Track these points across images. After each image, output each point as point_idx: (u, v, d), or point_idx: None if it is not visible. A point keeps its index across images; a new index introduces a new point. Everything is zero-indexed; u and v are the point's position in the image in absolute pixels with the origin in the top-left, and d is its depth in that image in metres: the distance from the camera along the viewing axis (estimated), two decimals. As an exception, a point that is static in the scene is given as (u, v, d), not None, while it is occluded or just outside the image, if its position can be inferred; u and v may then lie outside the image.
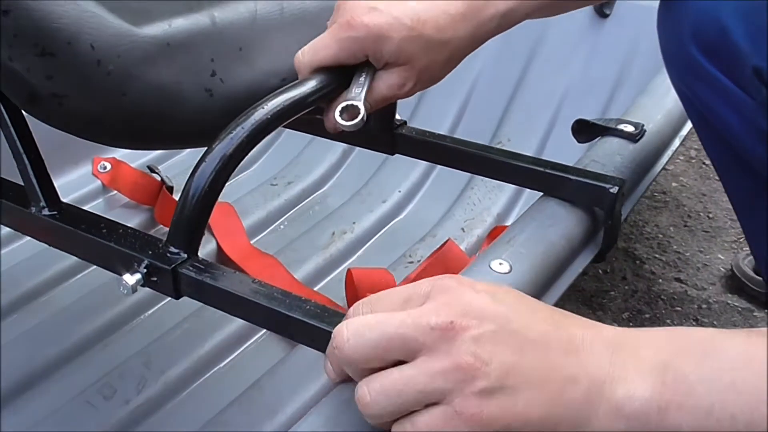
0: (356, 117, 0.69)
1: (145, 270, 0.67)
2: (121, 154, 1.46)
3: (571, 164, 0.83)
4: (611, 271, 1.27)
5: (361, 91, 0.70)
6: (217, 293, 0.64)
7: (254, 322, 0.65)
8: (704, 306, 1.19)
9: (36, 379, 1.00)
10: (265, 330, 1.08)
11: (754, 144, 0.81)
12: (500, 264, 0.70)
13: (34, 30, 0.62)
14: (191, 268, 0.66)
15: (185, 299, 1.15)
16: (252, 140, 0.67)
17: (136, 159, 1.45)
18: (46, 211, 0.73)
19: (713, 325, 1.15)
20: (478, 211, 1.30)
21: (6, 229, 1.25)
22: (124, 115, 0.67)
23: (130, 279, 0.66)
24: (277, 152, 1.50)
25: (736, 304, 1.19)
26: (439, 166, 1.38)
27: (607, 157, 0.88)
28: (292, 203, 1.36)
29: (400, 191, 1.36)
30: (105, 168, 1.39)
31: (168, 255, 0.66)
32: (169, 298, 1.13)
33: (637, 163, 0.89)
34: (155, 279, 0.67)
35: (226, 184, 1.36)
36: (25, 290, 1.14)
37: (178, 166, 1.45)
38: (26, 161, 0.72)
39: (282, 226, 1.32)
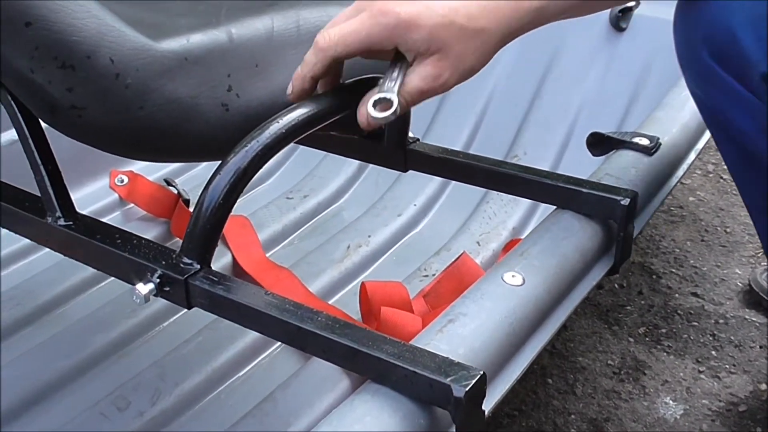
0: (389, 109, 0.69)
1: (158, 280, 0.67)
2: (138, 167, 1.47)
3: (586, 178, 0.83)
4: (627, 285, 1.27)
5: (395, 84, 0.69)
6: (229, 305, 0.65)
7: (266, 333, 0.65)
8: (721, 321, 1.18)
9: (50, 391, 1.00)
10: (279, 343, 1.09)
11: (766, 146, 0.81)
12: (513, 276, 0.70)
13: (54, 43, 0.63)
14: (204, 280, 0.66)
15: (199, 312, 1.16)
16: (266, 154, 0.67)
17: (153, 172, 1.46)
18: (61, 222, 0.73)
19: (730, 341, 1.14)
20: (493, 225, 1.30)
21: (22, 242, 1.27)
22: (141, 127, 0.68)
23: (144, 289, 0.67)
24: (294, 166, 1.50)
25: (753, 318, 1.18)
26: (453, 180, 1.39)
27: (621, 170, 0.88)
28: (308, 217, 1.37)
29: (415, 205, 1.36)
30: (122, 181, 1.40)
31: (181, 266, 0.67)
32: (184, 311, 1.16)
33: (652, 176, 0.89)
34: (168, 289, 0.67)
35: (242, 197, 1.38)
36: (40, 303, 1.14)
37: (195, 179, 1.46)
38: (43, 172, 0.73)
39: (297, 240, 1.32)
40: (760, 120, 0.81)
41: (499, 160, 0.86)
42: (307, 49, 0.81)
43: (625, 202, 0.77)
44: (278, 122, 0.68)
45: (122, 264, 0.70)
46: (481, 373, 0.55)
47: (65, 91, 0.64)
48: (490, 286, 0.70)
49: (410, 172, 1.40)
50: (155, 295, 0.68)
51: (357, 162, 1.46)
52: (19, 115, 0.73)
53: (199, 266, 0.67)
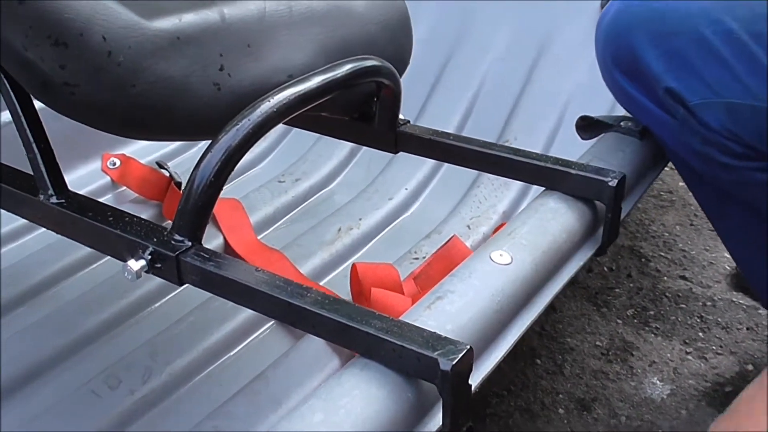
0: None
1: (149, 257, 0.68)
2: (130, 150, 1.47)
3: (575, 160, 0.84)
4: (617, 268, 1.28)
5: None
6: (220, 281, 0.65)
7: (257, 309, 0.66)
8: (709, 303, 1.19)
9: (42, 370, 1.01)
10: (269, 323, 1.09)
11: (692, 160, 0.84)
12: (501, 255, 0.71)
13: (47, 20, 0.63)
14: (195, 257, 0.67)
15: (190, 293, 1.16)
16: (257, 133, 0.68)
17: (145, 155, 1.46)
18: (54, 199, 0.74)
19: (717, 323, 1.15)
20: (483, 208, 1.31)
21: (14, 224, 1.27)
22: (133, 105, 0.68)
23: (135, 265, 0.67)
24: (285, 150, 1.51)
25: (741, 301, 1.19)
26: (445, 165, 1.40)
27: (610, 153, 0.89)
28: (299, 200, 1.37)
29: (406, 189, 1.37)
30: (114, 164, 1.40)
31: (172, 243, 0.68)
32: (175, 292, 1.16)
33: (640, 159, 0.89)
34: (159, 266, 0.68)
35: (234, 180, 1.39)
36: (33, 283, 1.15)
37: (187, 162, 1.47)
38: (36, 150, 0.74)
39: (288, 222, 1.33)
40: (676, 136, 0.84)
41: (489, 142, 0.86)
42: (298, 31, 0.82)
43: (613, 183, 0.78)
44: (269, 101, 0.69)
45: (114, 241, 0.70)
46: (468, 347, 0.56)
47: (58, 68, 0.65)
48: (478, 265, 0.71)
49: (401, 157, 1.40)
50: (146, 272, 0.68)
51: (348, 146, 1.47)
52: (11, 93, 0.73)
53: (190, 243, 0.67)
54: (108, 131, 0.70)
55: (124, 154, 1.42)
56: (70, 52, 0.65)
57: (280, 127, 1.53)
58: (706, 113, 0.79)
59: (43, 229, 1.28)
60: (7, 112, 1.10)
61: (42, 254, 1.21)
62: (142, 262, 0.68)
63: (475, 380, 0.62)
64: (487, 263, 0.71)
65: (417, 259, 1.21)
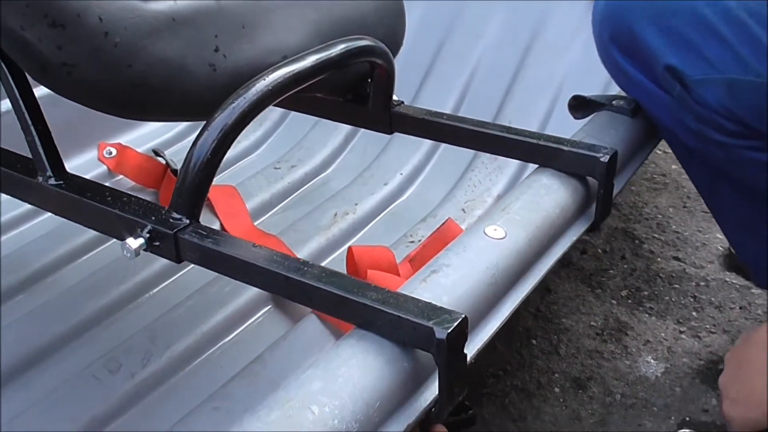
0: None
1: (148, 235, 0.68)
2: (126, 139, 1.48)
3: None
4: (610, 250, 1.29)
5: None
6: (218, 257, 0.66)
7: (255, 284, 0.66)
8: (702, 283, 1.20)
9: (43, 356, 1.02)
10: (267, 307, 1.11)
11: (687, 138, 0.85)
12: (495, 230, 0.72)
13: (45, 1, 0.64)
14: (193, 234, 0.67)
15: (189, 278, 1.17)
16: (253, 111, 0.69)
17: (141, 144, 1.47)
18: (52, 181, 0.75)
19: (710, 302, 1.17)
20: (478, 192, 1.32)
21: (14, 212, 1.28)
22: (130, 85, 0.69)
23: (134, 243, 0.68)
24: (281, 137, 1.52)
25: (734, 281, 1.20)
26: (440, 150, 1.41)
27: (602, 131, 0.90)
28: (295, 186, 1.38)
29: (401, 174, 1.38)
30: (111, 153, 1.41)
31: (171, 220, 0.68)
32: (174, 277, 1.17)
33: (631, 136, 0.90)
34: (157, 243, 0.69)
35: (230, 167, 1.39)
36: (32, 271, 1.16)
37: (184, 150, 1.48)
38: (34, 133, 0.74)
39: (285, 208, 1.34)
40: (673, 114, 0.85)
41: (483, 121, 0.87)
42: (292, 12, 0.83)
43: (605, 159, 0.79)
44: (264, 80, 0.70)
45: (113, 220, 0.71)
46: (463, 316, 0.57)
47: (56, 48, 0.65)
48: (472, 239, 0.71)
49: (396, 142, 1.43)
50: (145, 250, 0.69)
51: (343, 133, 1.48)
52: (10, 77, 0.74)
53: (188, 221, 0.68)
54: (106, 112, 0.71)
55: (120, 143, 1.43)
56: (67, 32, 0.65)
57: (275, 114, 1.55)
58: (705, 90, 0.80)
59: (42, 217, 1.30)
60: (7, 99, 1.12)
61: (40, 242, 1.22)
62: (141, 240, 0.68)
63: (470, 351, 0.63)
64: (481, 238, 0.71)
65: (413, 242, 1.22)
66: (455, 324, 0.56)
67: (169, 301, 1.10)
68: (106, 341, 1.04)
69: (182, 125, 1.54)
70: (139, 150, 1.42)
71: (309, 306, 0.64)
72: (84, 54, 0.67)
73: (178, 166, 1.33)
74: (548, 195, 0.79)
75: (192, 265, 1.18)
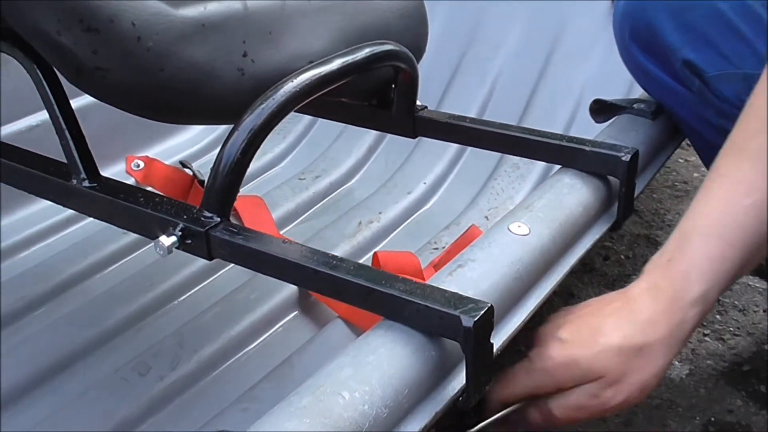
0: None
1: (180, 233, 0.70)
2: (153, 152, 1.51)
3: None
4: (633, 256, 1.30)
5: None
6: (249, 252, 0.68)
7: (284, 278, 0.68)
8: (724, 288, 1.21)
9: (75, 358, 1.04)
10: (293, 313, 1.12)
11: (708, 133, 0.86)
12: (519, 226, 0.74)
13: (79, 6, 0.66)
14: (224, 231, 0.69)
15: (215, 285, 1.19)
16: (281, 112, 0.70)
17: (168, 157, 1.50)
18: (86, 183, 0.77)
19: (734, 305, 1.17)
20: (501, 200, 1.33)
21: (42, 224, 1.31)
22: (161, 89, 0.71)
23: (166, 241, 0.70)
24: (305, 149, 1.54)
25: (757, 285, 1.21)
26: (462, 159, 1.42)
27: (622, 133, 0.91)
28: (320, 196, 1.40)
29: (425, 183, 1.40)
30: (138, 166, 1.43)
31: (202, 219, 0.70)
32: (201, 285, 1.19)
33: (652, 138, 0.92)
34: (189, 242, 0.70)
35: (256, 178, 1.41)
36: (62, 279, 1.18)
37: (210, 163, 1.50)
38: (68, 136, 0.77)
39: (310, 217, 1.36)
40: (693, 109, 0.86)
41: (506, 123, 0.89)
42: (317, 19, 0.85)
43: (626, 158, 0.80)
44: (292, 82, 0.71)
45: (146, 220, 0.73)
46: (489, 305, 0.58)
47: (90, 53, 0.68)
48: (497, 236, 0.73)
49: (419, 153, 1.44)
50: (177, 248, 0.71)
51: (367, 144, 1.50)
52: (44, 82, 0.76)
53: (219, 219, 0.70)
54: (138, 114, 0.73)
55: (147, 156, 1.45)
56: (101, 37, 0.68)
57: (299, 127, 1.57)
58: (722, 85, 0.81)
59: (70, 229, 1.33)
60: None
61: (69, 252, 1.24)
62: (173, 238, 0.70)
63: (496, 343, 0.64)
64: (506, 234, 0.73)
65: (437, 249, 1.23)
66: (482, 313, 0.58)
67: (197, 307, 1.12)
68: (135, 346, 1.06)
69: (208, 138, 1.57)
70: (167, 162, 1.45)
71: (337, 299, 0.65)
72: (118, 58, 0.69)
73: (205, 177, 1.36)
74: (571, 194, 0.80)
75: (218, 273, 1.20)
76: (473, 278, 0.67)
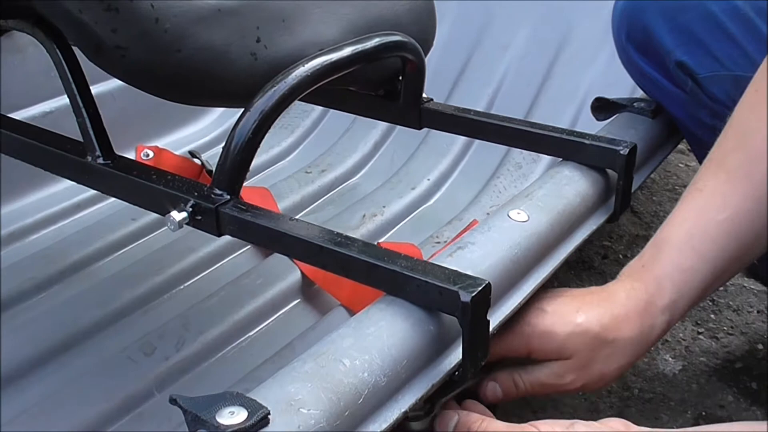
0: None
1: (190, 209, 0.72)
2: (163, 142, 1.54)
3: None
4: (631, 256, 1.31)
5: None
6: (257, 229, 0.70)
7: (291, 254, 0.71)
8: (721, 288, 1.23)
9: (82, 338, 1.06)
10: (297, 299, 1.14)
11: (702, 133, 0.89)
12: (518, 213, 0.76)
13: (100, -14, 0.69)
14: (234, 208, 0.72)
15: (221, 271, 1.21)
16: (292, 95, 0.73)
17: (177, 147, 1.52)
18: (101, 160, 0.79)
19: (728, 306, 1.19)
20: (504, 198, 1.35)
21: (53, 209, 1.34)
22: (178, 69, 0.73)
23: (177, 216, 0.72)
24: (312, 144, 1.56)
25: (752, 286, 1.23)
26: (466, 157, 1.45)
27: (622, 129, 0.93)
28: (325, 189, 1.43)
29: (428, 180, 1.42)
30: (148, 155, 1.46)
31: (212, 196, 0.72)
32: (206, 271, 1.21)
33: (651, 135, 0.94)
34: (199, 218, 0.73)
35: (263, 171, 1.44)
36: (70, 262, 1.20)
37: (218, 155, 1.52)
38: (85, 114, 0.79)
39: (315, 209, 1.38)
40: (687, 109, 0.89)
41: (509, 117, 0.91)
42: (330, 9, 0.87)
43: (624, 151, 0.82)
44: (303, 66, 0.74)
45: (158, 196, 0.75)
46: (487, 281, 0.61)
47: (110, 31, 0.70)
48: (497, 221, 0.75)
49: (423, 149, 1.47)
50: (187, 224, 0.73)
51: (373, 140, 1.52)
52: (64, 62, 0.79)
53: (228, 197, 0.72)
54: (154, 94, 0.76)
55: (156, 146, 1.48)
56: (121, 16, 0.70)
57: (307, 122, 1.60)
58: (714, 86, 0.83)
59: (80, 214, 1.35)
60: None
61: (79, 236, 1.27)
62: (184, 214, 0.72)
63: (492, 322, 0.66)
64: (505, 220, 0.75)
65: (438, 243, 1.25)
66: (479, 289, 0.60)
67: (203, 291, 1.14)
68: (141, 327, 1.08)
69: (218, 130, 1.60)
70: (176, 152, 1.47)
71: (342, 275, 0.67)
72: (136, 37, 0.71)
73: (213, 168, 1.38)
74: (570, 185, 0.82)
75: (225, 260, 1.23)
76: (472, 259, 0.69)
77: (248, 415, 0.52)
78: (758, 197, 0.72)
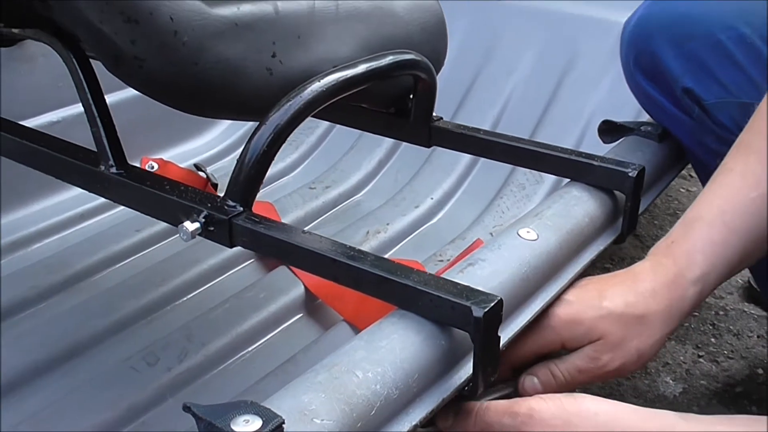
0: None
1: (203, 220, 0.73)
2: (168, 155, 1.55)
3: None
4: (632, 279, 1.33)
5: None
6: (270, 241, 0.71)
7: (303, 267, 0.71)
8: (721, 312, 1.24)
9: (85, 347, 1.07)
10: (300, 313, 1.15)
11: (709, 159, 0.90)
12: (528, 232, 0.77)
13: (122, -1, 0.70)
14: (246, 220, 0.72)
15: (225, 284, 1.22)
16: (307, 110, 0.74)
17: (182, 161, 1.53)
18: (114, 170, 0.80)
19: (729, 330, 1.20)
20: (506, 218, 1.36)
21: (56, 218, 1.35)
22: (194, 81, 0.74)
23: (190, 226, 0.72)
24: (316, 160, 1.58)
25: (752, 311, 1.24)
26: (470, 177, 1.46)
27: (629, 152, 0.94)
28: (329, 206, 1.44)
29: (432, 198, 1.43)
30: (152, 168, 1.46)
31: (226, 207, 0.73)
32: (211, 283, 1.22)
33: (657, 159, 0.95)
34: (212, 229, 0.73)
35: (268, 186, 1.45)
36: (74, 271, 1.21)
37: (222, 168, 1.54)
38: (99, 124, 0.80)
39: (318, 225, 1.39)
40: (694, 136, 0.90)
41: (517, 137, 0.92)
42: (344, 26, 0.88)
43: (633, 174, 0.83)
44: (319, 82, 0.75)
45: (171, 206, 0.76)
46: (499, 298, 0.61)
47: (129, 42, 0.71)
48: (506, 239, 0.76)
49: (427, 168, 1.48)
50: (200, 234, 0.74)
51: (377, 158, 1.53)
52: (80, 71, 0.80)
53: (241, 209, 0.73)
54: (170, 105, 0.76)
55: (162, 159, 1.49)
56: (140, 28, 0.71)
57: (312, 138, 1.61)
58: (720, 112, 0.85)
59: (84, 224, 1.36)
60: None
61: (82, 246, 1.27)
62: (197, 225, 0.73)
63: (503, 338, 0.67)
64: (515, 238, 0.76)
65: (441, 261, 1.26)
66: (492, 304, 0.61)
67: (206, 303, 1.15)
68: (144, 338, 1.08)
69: (223, 144, 1.61)
70: (182, 165, 1.48)
71: (354, 288, 0.68)
72: (154, 49, 0.72)
73: (218, 181, 1.39)
74: (578, 205, 0.83)
75: (229, 273, 1.23)
76: (483, 276, 0.70)
77: (263, 424, 0.53)
78: None
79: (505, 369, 0.77)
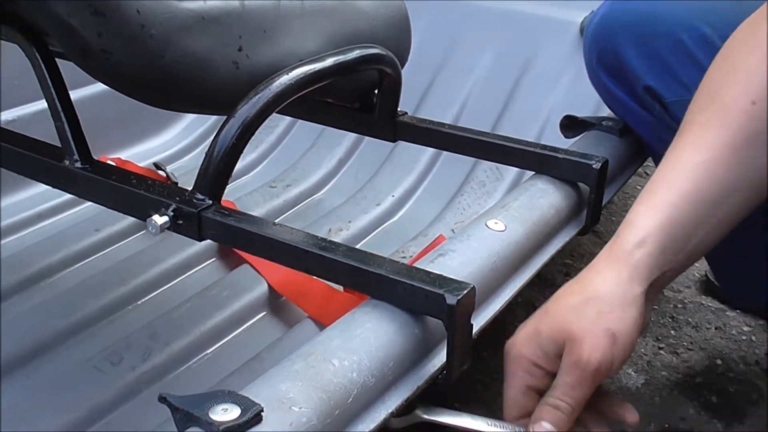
0: None
1: (172, 213, 0.72)
2: (126, 155, 1.53)
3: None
4: (592, 274, 1.34)
5: None
6: (240, 233, 0.70)
7: (275, 259, 0.71)
8: (680, 305, 1.26)
9: (46, 347, 1.05)
10: (264, 311, 1.15)
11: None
12: (496, 223, 0.78)
13: (88, -9, 0.69)
14: (216, 213, 0.72)
15: (188, 282, 1.21)
16: (275, 103, 0.74)
17: (140, 160, 1.52)
18: (79, 164, 0.79)
19: (688, 322, 1.22)
20: (467, 215, 1.37)
21: (18, 216, 1.32)
22: (161, 75, 0.74)
23: (159, 220, 0.72)
24: (277, 158, 1.57)
25: (710, 304, 1.26)
26: (431, 174, 1.46)
27: (591, 147, 0.96)
28: (290, 204, 1.43)
29: (393, 196, 1.43)
30: (110, 167, 1.45)
31: (194, 201, 0.73)
32: (174, 281, 1.20)
33: (619, 153, 0.97)
34: (181, 222, 0.73)
35: (228, 184, 1.44)
36: (34, 271, 1.19)
37: (182, 168, 1.53)
38: (63, 118, 0.79)
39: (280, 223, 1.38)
40: (655, 133, 0.92)
41: (482, 131, 0.93)
42: (310, 22, 0.88)
43: (597, 166, 0.85)
44: (287, 75, 0.75)
45: (138, 201, 0.75)
46: (472, 285, 0.62)
47: (96, 35, 0.70)
48: (475, 230, 0.77)
49: (388, 167, 1.48)
50: (168, 228, 0.73)
51: (337, 157, 1.53)
52: (42, 65, 0.79)
53: (210, 202, 0.73)
54: (137, 98, 0.76)
55: (119, 158, 1.47)
56: (107, 21, 0.70)
57: (271, 137, 1.60)
58: (680, 110, 0.86)
59: (42, 224, 1.34)
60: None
61: (41, 245, 1.25)
62: (165, 218, 0.72)
63: (474, 327, 0.67)
64: (483, 229, 0.77)
65: (404, 257, 1.26)
66: (465, 292, 0.61)
67: (169, 303, 1.14)
68: (107, 337, 1.07)
69: (183, 143, 1.60)
70: (140, 164, 1.47)
71: (326, 279, 0.68)
72: (121, 42, 0.71)
73: (178, 180, 1.38)
74: (544, 197, 0.84)
75: (191, 271, 1.22)
76: (453, 266, 0.71)
77: (241, 412, 0.53)
78: (732, 143, 0.70)
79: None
